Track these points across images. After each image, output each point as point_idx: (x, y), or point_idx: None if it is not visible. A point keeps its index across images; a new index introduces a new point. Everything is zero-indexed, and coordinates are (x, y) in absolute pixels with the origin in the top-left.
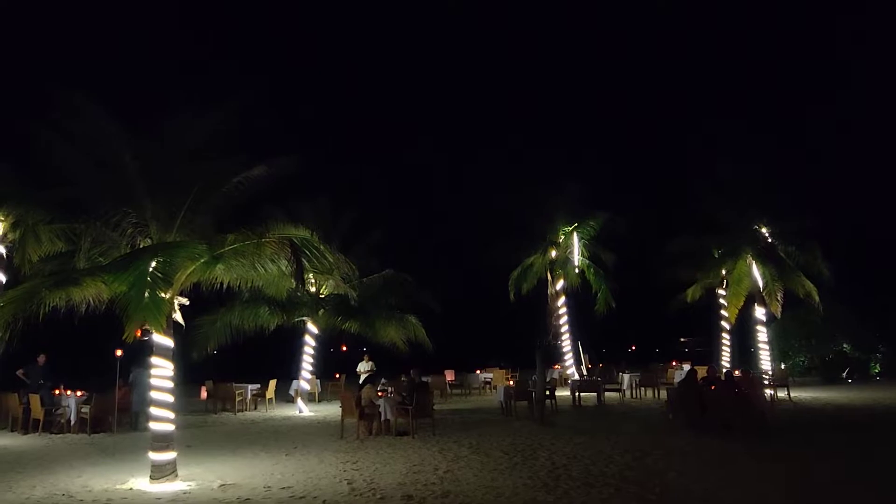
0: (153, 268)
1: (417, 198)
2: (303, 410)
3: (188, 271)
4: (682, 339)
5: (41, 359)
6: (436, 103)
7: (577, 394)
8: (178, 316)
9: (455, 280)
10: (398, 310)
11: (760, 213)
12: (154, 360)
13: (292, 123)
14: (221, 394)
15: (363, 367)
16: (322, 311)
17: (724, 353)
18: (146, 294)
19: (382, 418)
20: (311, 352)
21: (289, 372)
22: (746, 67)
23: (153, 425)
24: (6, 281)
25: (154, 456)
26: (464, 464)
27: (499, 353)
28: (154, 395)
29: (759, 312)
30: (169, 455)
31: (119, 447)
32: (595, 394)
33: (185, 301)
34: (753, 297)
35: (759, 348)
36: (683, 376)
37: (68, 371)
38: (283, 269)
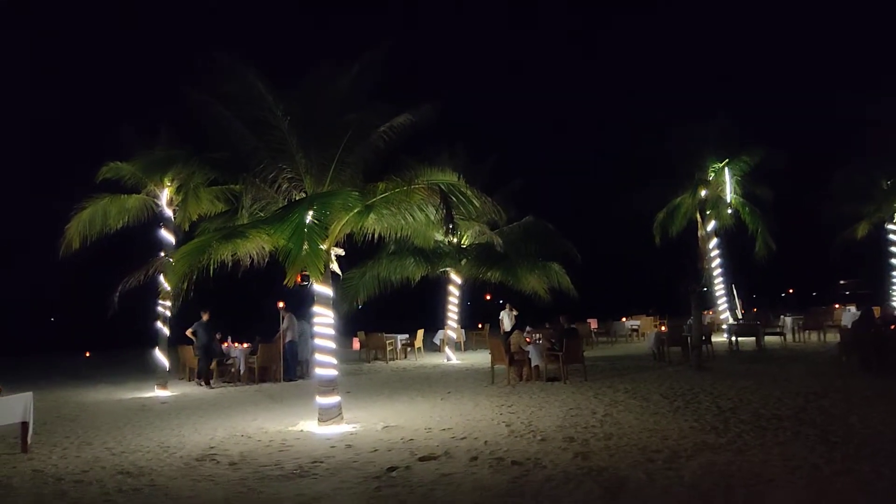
0: (310, 219)
1: (559, 145)
2: (451, 358)
3: (342, 222)
4: (841, 282)
5: (205, 315)
6: (573, 52)
7: (734, 338)
8: (335, 266)
9: (599, 227)
10: (540, 258)
11: None
12: (315, 308)
13: (427, 73)
14: (373, 344)
15: (506, 316)
16: (465, 260)
17: (894, 292)
18: (305, 244)
19: (532, 364)
20: (456, 301)
21: (434, 322)
22: None
23: (318, 371)
24: (175, 242)
25: (321, 400)
26: (622, 407)
27: (645, 300)
28: (317, 342)
29: None
30: (334, 399)
31: (286, 394)
32: (753, 338)
33: (341, 251)
34: None
35: None
36: (858, 316)
37: (231, 325)
38: (431, 216)
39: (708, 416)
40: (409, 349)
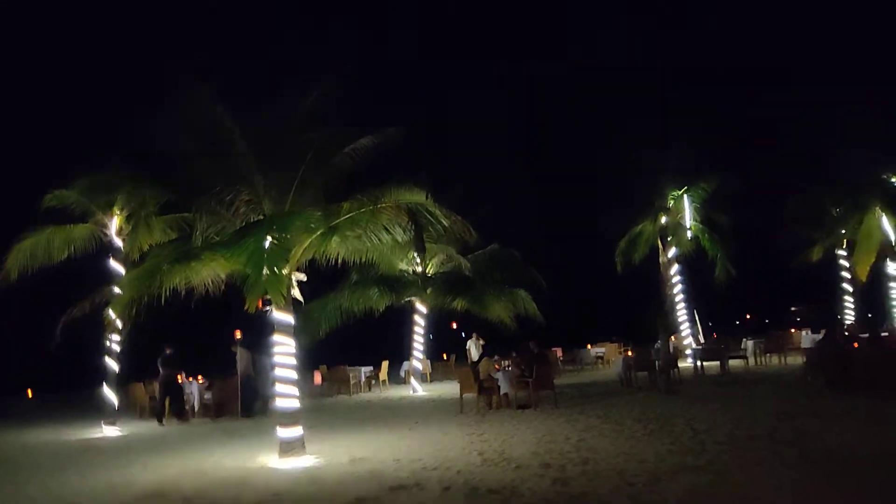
0: (270, 241)
1: (518, 170)
2: (416, 390)
3: (304, 245)
4: (792, 308)
5: (168, 349)
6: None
7: (698, 363)
8: (296, 292)
9: (560, 254)
10: (507, 285)
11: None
12: (275, 337)
13: (390, 98)
14: (336, 377)
15: (473, 345)
16: (430, 289)
17: (847, 315)
18: (265, 268)
19: (501, 392)
20: (421, 332)
21: (399, 353)
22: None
23: (279, 402)
24: (125, 273)
25: (282, 432)
26: (596, 433)
27: (608, 327)
28: (277, 372)
29: (892, 268)
30: (296, 431)
31: (244, 430)
32: (717, 362)
33: (303, 277)
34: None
35: (894, 306)
36: (822, 335)
37: (185, 358)
38: (399, 237)
39: (683, 438)
40: (373, 382)
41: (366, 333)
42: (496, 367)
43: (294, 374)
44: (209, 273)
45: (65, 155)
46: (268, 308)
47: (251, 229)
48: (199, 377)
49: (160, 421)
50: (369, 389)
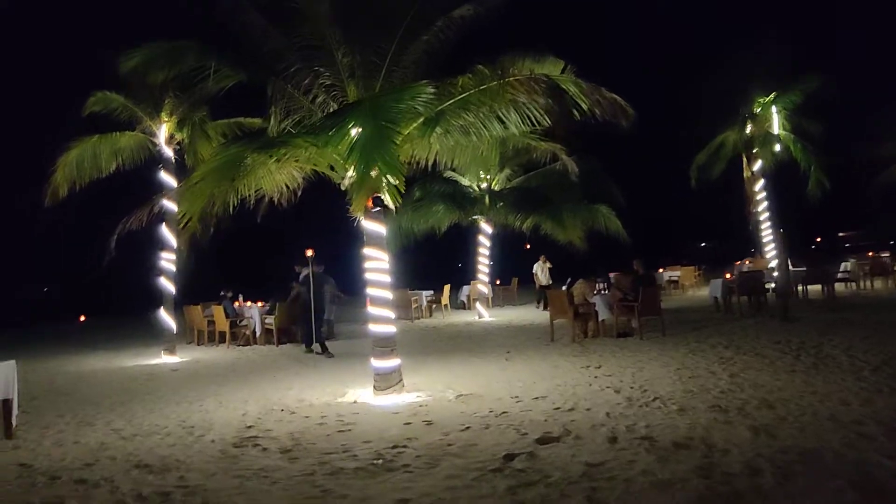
0: (372, 126)
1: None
2: (483, 315)
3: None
4: (840, 234)
5: (304, 271)
6: None
7: (800, 286)
8: (387, 198)
9: (632, 171)
10: (586, 200)
11: None
12: (366, 251)
13: None
14: (396, 301)
15: (539, 268)
16: (501, 204)
17: None
18: (377, 158)
19: (599, 318)
20: (487, 253)
21: (458, 278)
22: None
23: (373, 327)
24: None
25: (378, 363)
26: (741, 365)
27: (680, 250)
28: (370, 291)
29: None
30: (393, 362)
31: (314, 357)
32: (819, 286)
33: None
34: None
35: None
36: None
37: (243, 282)
38: (515, 126)
39: (865, 372)
40: (433, 306)
41: (424, 256)
42: (592, 290)
43: (389, 294)
44: (284, 176)
45: (121, 38)
46: (379, 208)
47: (347, 111)
48: (259, 301)
49: (308, 346)
50: (430, 315)
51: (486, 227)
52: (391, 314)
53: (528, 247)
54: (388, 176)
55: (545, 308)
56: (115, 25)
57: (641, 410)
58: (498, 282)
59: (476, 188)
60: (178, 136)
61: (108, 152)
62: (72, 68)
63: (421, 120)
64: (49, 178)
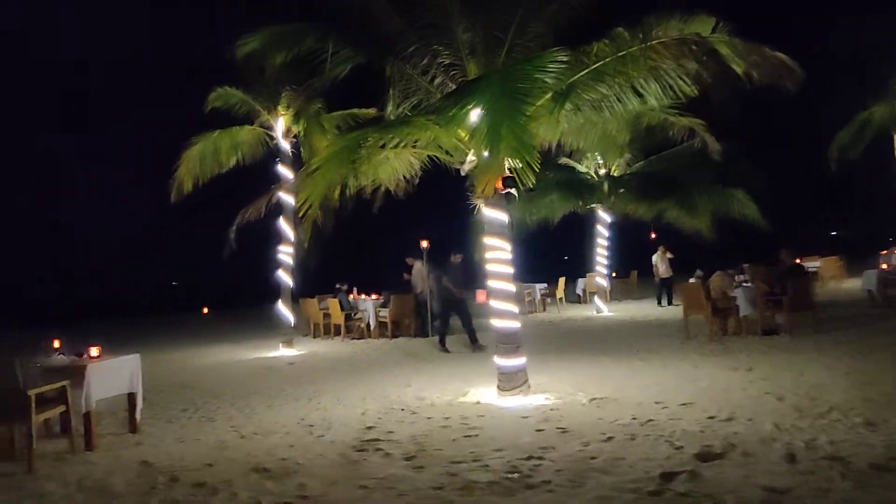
0: (502, 96)
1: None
2: (602, 310)
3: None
4: None
5: (457, 258)
6: None
7: None
8: (518, 178)
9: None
10: (720, 184)
11: None
12: (487, 240)
13: None
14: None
15: (659, 259)
16: (622, 191)
17: None
18: (509, 135)
19: (740, 314)
20: (605, 244)
21: (573, 270)
22: None
23: (496, 323)
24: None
25: (502, 361)
26: None
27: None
28: (492, 284)
29: None
30: (519, 360)
31: (430, 352)
32: None
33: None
34: None
35: None
36: None
37: (356, 274)
38: (656, 94)
39: None
40: (548, 300)
41: (536, 247)
42: (732, 282)
43: (512, 287)
44: (401, 163)
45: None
46: (511, 188)
47: (471, 87)
48: (374, 294)
49: (443, 344)
50: (544, 309)
51: (605, 216)
52: (515, 308)
53: (654, 236)
54: (522, 152)
55: (669, 303)
56: (228, 15)
57: (817, 423)
58: (615, 274)
59: (594, 174)
60: (295, 129)
61: (228, 147)
62: (187, 62)
63: (549, 95)
64: (173, 173)
